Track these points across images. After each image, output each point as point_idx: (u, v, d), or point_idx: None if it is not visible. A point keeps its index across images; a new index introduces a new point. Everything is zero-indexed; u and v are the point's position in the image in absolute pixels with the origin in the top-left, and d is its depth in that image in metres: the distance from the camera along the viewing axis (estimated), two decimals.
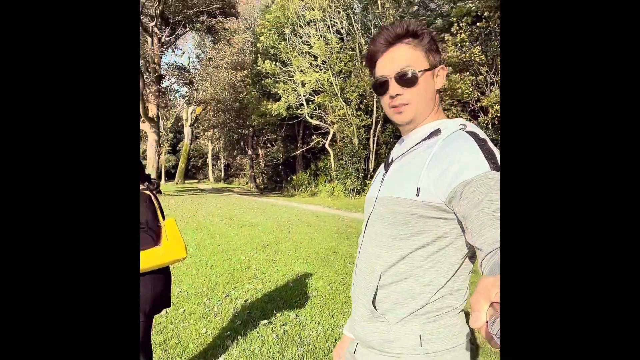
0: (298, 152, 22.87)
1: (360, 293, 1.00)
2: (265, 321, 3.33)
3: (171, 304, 2.17)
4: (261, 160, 29.40)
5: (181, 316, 3.50)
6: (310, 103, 17.08)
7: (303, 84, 16.24)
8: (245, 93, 20.75)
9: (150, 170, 16.80)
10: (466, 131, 0.89)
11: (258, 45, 17.95)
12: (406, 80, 0.93)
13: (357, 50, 15.56)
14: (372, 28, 15.46)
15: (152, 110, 17.02)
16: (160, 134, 17.99)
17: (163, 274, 2.08)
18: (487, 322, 0.48)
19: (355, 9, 16.31)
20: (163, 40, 18.40)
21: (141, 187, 2.12)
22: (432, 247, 0.90)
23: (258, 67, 17.23)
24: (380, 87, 0.97)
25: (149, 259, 1.93)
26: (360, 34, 15.69)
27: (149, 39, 16.84)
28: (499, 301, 0.48)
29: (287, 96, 16.84)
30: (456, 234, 0.89)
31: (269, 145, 28.40)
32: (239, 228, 8.33)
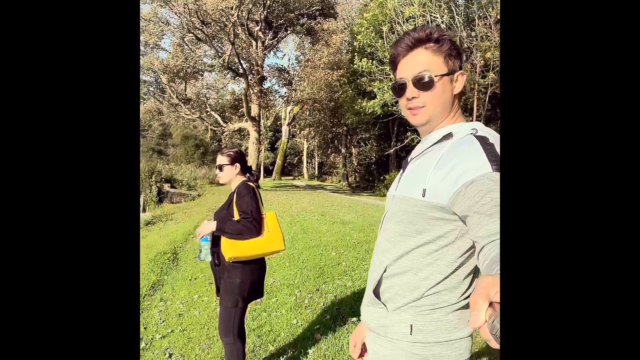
0: (391, 150, 22.51)
1: (369, 283, 1.07)
2: (354, 319, 3.32)
3: (264, 293, 2.26)
4: (354, 159, 29.55)
5: (274, 305, 3.66)
6: None
7: None
8: (340, 92, 21.05)
9: (251, 165, 17.94)
10: (476, 136, 0.91)
11: (355, 44, 18.04)
12: (423, 84, 0.97)
13: (458, 45, 14.71)
14: (476, 19, 14.54)
15: (254, 110, 18.16)
16: (261, 132, 19.05)
17: (259, 264, 2.16)
18: (486, 321, 0.48)
19: (457, 1, 15.49)
20: (266, 43, 19.48)
21: (244, 179, 2.24)
22: (432, 245, 0.95)
23: (354, 66, 17.32)
24: (399, 89, 1.01)
25: (251, 248, 2.03)
26: (462, 26, 14.85)
27: (254, 43, 17.96)
28: (498, 301, 0.48)
29: (383, 94, 16.65)
30: (457, 235, 0.93)
31: (362, 144, 28.43)
32: (331, 225, 8.46)
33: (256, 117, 17.81)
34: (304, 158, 35.95)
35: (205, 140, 34.56)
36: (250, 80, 17.83)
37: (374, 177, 27.10)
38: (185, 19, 15.18)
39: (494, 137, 0.91)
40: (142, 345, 2.94)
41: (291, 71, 21.32)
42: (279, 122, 30.59)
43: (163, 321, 3.44)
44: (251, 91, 17.83)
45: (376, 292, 1.02)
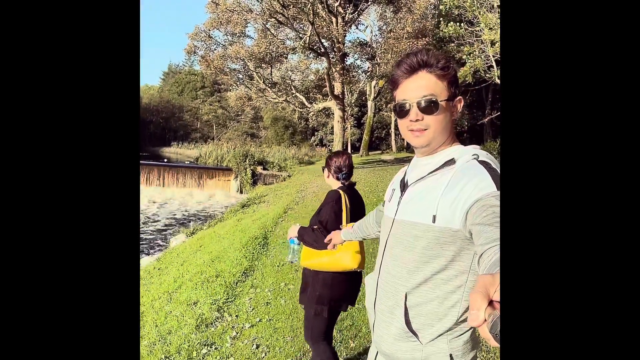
0: (486, 119, 20.88)
1: (385, 311, 1.06)
2: None
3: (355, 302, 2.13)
4: None
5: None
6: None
7: (492, 44, 14.49)
8: None
9: (337, 144, 18.02)
10: (479, 160, 0.95)
11: (441, 7, 16.80)
12: (428, 107, 0.99)
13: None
14: None
15: (338, 88, 18.07)
16: (345, 110, 18.97)
17: (347, 277, 1.98)
18: (485, 320, 0.48)
19: None
20: (347, 18, 19.13)
21: (339, 184, 2.12)
22: (451, 270, 0.96)
23: (441, 32, 16.19)
24: (401, 110, 1.03)
25: (319, 260, 1.93)
26: None
27: (334, 19, 17.73)
28: (498, 299, 0.48)
29: (474, 59, 15.36)
30: (472, 257, 0.95)
31: None
32: None
33: (340, 96, 17.73)
34: (392, 131, 35.17)
35: (293, 120, 35.56)
36: (332, 58, 17.73)
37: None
38: (266, 4, 15.50)
39: (495, 163, 0.95)
40: (233, 334, 3.16)
41: (374, 45, 20.72)
42: (364, 98, 30.17)
43: (253, 309, 3.66)
44: (333, 69, 17.73)
45: (409, 325, 1.01)
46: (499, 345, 0.46)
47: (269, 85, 19.34)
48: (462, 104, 1.05)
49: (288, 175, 18.93)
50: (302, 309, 3.45)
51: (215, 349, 2.96)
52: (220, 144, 31.24)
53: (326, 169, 2.21)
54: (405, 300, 1.00)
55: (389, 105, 31.27)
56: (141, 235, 11.15)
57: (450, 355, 0.97)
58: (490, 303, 0.49)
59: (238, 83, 19.62)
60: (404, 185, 1.10)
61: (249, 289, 4.18)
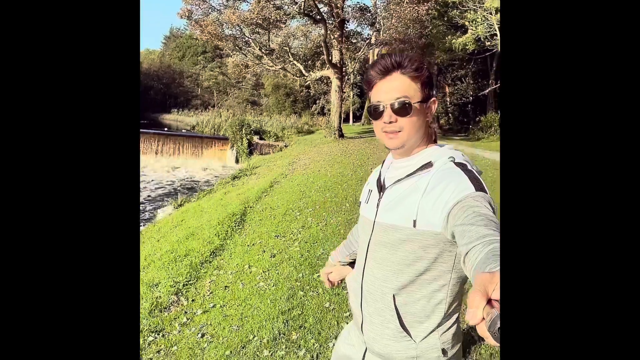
0: (488, 89, 20.32)
1: (374, 313, 1.08)
2: None
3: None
4: (447, 98, 27.43)
5: (314, 282, 3.60)
6: None
7: (496, 11, 13.89)
8: (430, 28, 19.20)
9: (334, 115, 17.69)
10: (456, 163, 0.98)
11: None
12: (401, 109, 0.99)
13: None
14: None
15: (336, 56, 17.53)
16: (344, 79, 18.49)
17: None
18: (483, 318, 0.48)
19: None
20: None
21: None
22: (434, 271, 0.99)
23: None
24: (375, 112, 1.03)
25: None
26: None
27: None
28: (497, 298, 0.48)
29: (476, 27, 14.77)
30: (454, 257, 0.98)
31: (457, 82, 26.11)
32: None
33: (338, 64, 17.21)
34: None
35: (295, 88, 34.90)
36: (330, 24, 17.09)
37: (469, 118, 25.04)
38: None
39: (471, 164, 0.98)
40: (184, 320, 3.13)
41: (376, 10, 19.91)
42: (366, 65, 29.39)
43: (210, 292, 3.63)
44: (331, 36, 17.13)
45: (403, 326, 1.03)
46: (497, 344, 0.46)
47: (266, 52, 18.81)
48: (437, 105, 1.05)
49: (285, 145, 18.74)
50: (254, 295, 3.40)
51: (163, 336, 2.93)
52: (220, 111, 30.86)
53: None
54: (394, 301, 1.03)
55: None
56: None
57: (442, 349, 1.03)
58: (489, 301, 0.48)
59: (235, 50, 19.08)
60: (381, 187, 1.10)
61: (213, 271, 4.15)
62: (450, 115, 27.29)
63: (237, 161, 18.33)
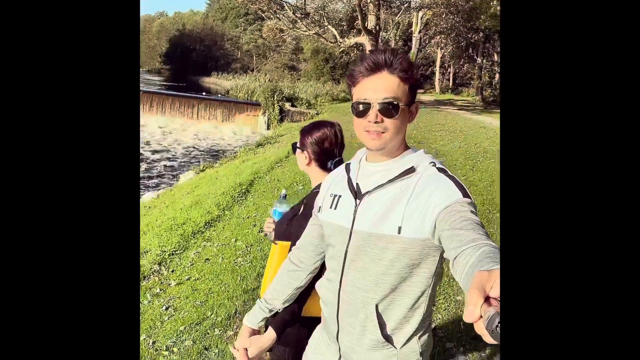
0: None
1: (355, 324, 1.05)
2: None
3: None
4: (496, 68, 25.74)
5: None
6: None
7: None
8: None
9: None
10: (438, 168, 0.99)
11: None
12: (389, 110, 0.97)
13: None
14: None
15: (372, 22, 16.79)
16: (379, 46, 17.78)
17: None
18: (481, 316, 0.48)
19: None
20: None
21: (321, 175, 1.38)
22: (417, 277, 0.99)
23: None
24: (360, 110, 0.99)
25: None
26: None
27: None
28: (495, 296, 0.48)
29: None
30: (436, 262, 0.99)
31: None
32: None
33: (373, 30, 16.51)
34: (437, 69, 32.95)
35: (334, 54, 34.08)
36: None
37: None
38: None
39: (449, 171, 1.00)
40: (157, 291, 3.23)
41: None
42: (409, 31, 28.11)
43: (192, 264, 3.71)
44: (368, 0, 16.38)
45: (385, 334, 1.03)
46: (495, 342, 0.46)
47: (301, 16, 18.34)
48: (419, 109, 1.05)
49: (316, 113, 18.51)
50: (228, 271, 3.39)
51: None
52: (257, 76, 30.79)
53: (303, 150, 1.41)
54: (377, 310, 1.02)
55: (435, 39, 28.93)
56: (156, 169, 11.60)
57: (421, 352, 1.05)
58: (487, 299, 0.48)
59: (269, 12, 18.75)
60: (356, 193, 1.06)
61: (202, 242, 4.23)
62: (495, 86, 25.70)
63: (267, 127, 18.40)
